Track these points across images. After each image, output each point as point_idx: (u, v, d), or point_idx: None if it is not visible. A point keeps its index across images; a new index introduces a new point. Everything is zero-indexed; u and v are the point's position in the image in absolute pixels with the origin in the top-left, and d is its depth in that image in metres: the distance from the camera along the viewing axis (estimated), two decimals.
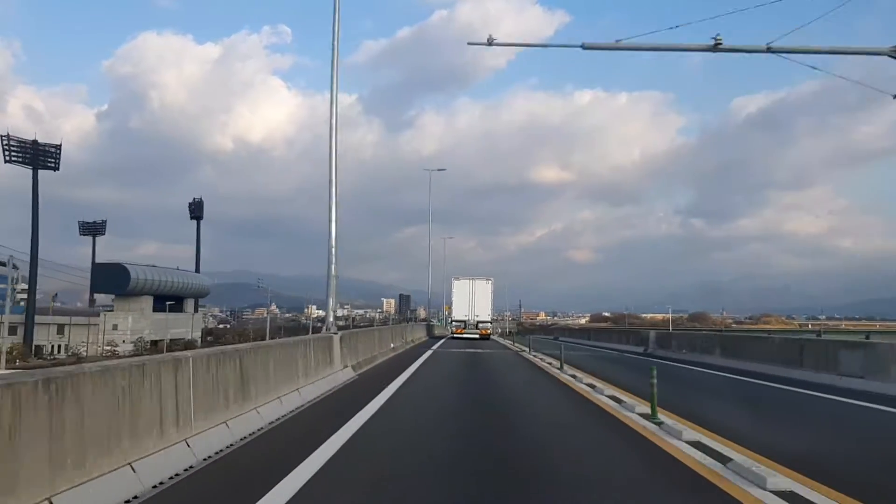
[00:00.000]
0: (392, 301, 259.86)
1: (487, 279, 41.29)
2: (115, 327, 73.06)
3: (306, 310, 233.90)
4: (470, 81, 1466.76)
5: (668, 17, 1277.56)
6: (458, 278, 41.80)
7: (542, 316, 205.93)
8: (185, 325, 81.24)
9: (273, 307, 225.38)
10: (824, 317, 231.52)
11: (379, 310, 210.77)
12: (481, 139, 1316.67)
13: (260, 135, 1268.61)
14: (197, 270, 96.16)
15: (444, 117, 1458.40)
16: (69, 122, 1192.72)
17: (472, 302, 39.75)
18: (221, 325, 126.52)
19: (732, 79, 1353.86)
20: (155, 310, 78.05)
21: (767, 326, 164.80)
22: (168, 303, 79.59)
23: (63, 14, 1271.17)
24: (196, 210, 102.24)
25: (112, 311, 78.25)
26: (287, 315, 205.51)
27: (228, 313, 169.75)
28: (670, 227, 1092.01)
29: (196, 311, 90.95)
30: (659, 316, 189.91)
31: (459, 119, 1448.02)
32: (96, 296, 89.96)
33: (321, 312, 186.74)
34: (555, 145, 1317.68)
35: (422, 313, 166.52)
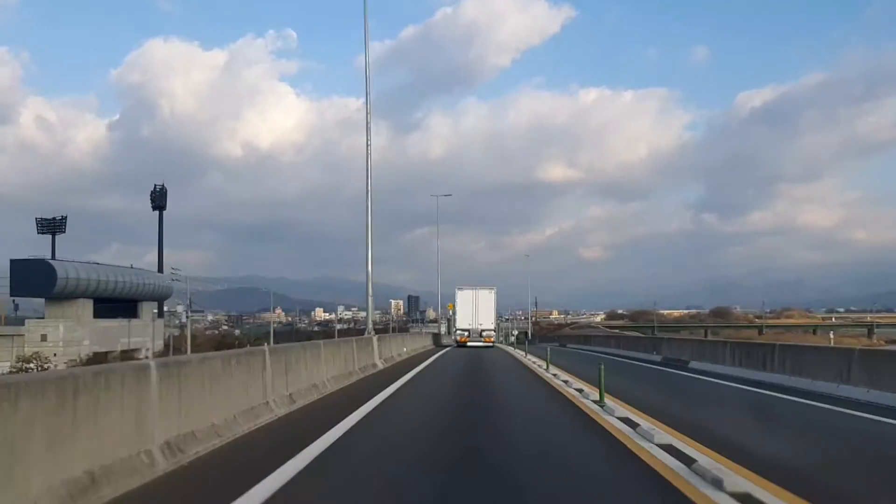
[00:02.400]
0: (400, 302, 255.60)
1: (490, 288, 41.72)
2: (43, 338, 59.97)
3: (313, 313, 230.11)
4: (476, 81, 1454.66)
5: (674, 11, 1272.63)
6: (461, 288, 41.96)
7: (554, 314, 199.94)
8: (144, 332, 68.55)
9: (279, 310, 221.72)
10: (843, 310, 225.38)
11: (380, 311, 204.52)
12: (488, 139, 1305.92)
13: (268, 140, 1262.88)
14: (160, 269, 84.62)
15: (450, 118, 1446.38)
16: (81, 133, 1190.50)
17: (475, 311, 39.90)
18: (209, 331, 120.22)
19: (738, 73, 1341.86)
20: (101, 316, 65.38)
21: (790, 321, 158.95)
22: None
23: (70, 23, 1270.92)
24: (158, 199, 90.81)
25: (42, 318, 65.54)
26: (290, 317, 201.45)
27: (226, 318, 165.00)
28: (681, 222, 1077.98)
29: (161, 315, 79.88)
30: (676, 312, 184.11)
31: (466, 119, 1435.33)
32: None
33: (327, 315, 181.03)
34: (562, 143, 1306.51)
35: (431, 314, 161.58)
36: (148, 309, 72.53)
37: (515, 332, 76.38)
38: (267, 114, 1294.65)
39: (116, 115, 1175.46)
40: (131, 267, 72.69)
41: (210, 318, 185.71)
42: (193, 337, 60.53)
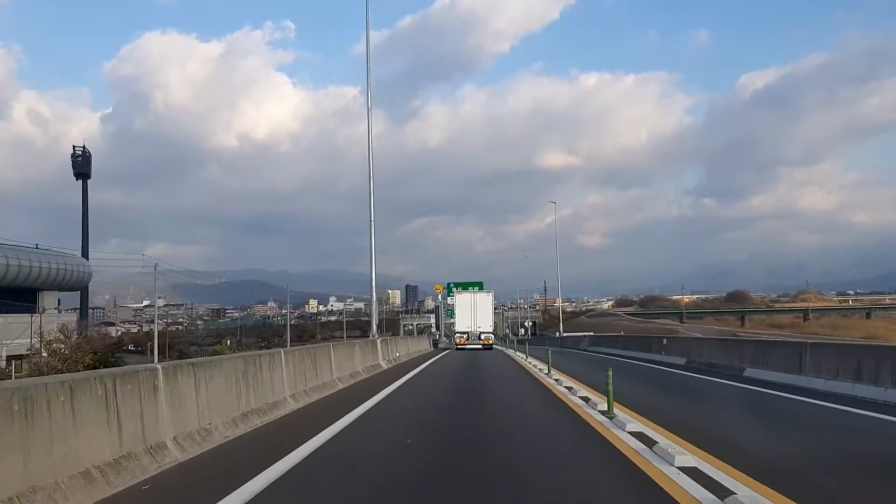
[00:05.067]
0: (398, 293, 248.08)
1: (488, 292, 43.16)
2: None
3: (306, 306, 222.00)
4: (474, 68, 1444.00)
5: None
6: (460, 292, 43.18)
7: (558, 302, 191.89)
8: (45, 329, 49.29)
9: (270, 303, 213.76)
10: (852, 292, 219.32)
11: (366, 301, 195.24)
12: (487, 127, 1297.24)
13: (265, 131, 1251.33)
14: (84, 253, 69.50)
15: (449, 106, 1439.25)
16: (74, 126, 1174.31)
17: (473, 314, 39.78)
18: (175, 326, 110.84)
19: (739, 55, 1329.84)
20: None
21: (808, 305, 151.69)
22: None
23: (64, 17, 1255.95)
24: (81, 166, 76.47)
25: None
26: (285, 311, 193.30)
27: (211, 312, 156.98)
28: (681, 208, 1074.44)
29: (84, 308, 65.25)
30: (686, 298, 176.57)
31: (465, 107, 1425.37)
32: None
33: (323, 307, 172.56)
34: (561, 130, 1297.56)
35: (429, 304, 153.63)
36: (52, 299, 57.60)
37: (529, 324, 66.29)
38: (263, 105, 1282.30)
39: (109, 108, 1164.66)
40: (36, 247, 58.34)
41: (202, 310, 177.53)
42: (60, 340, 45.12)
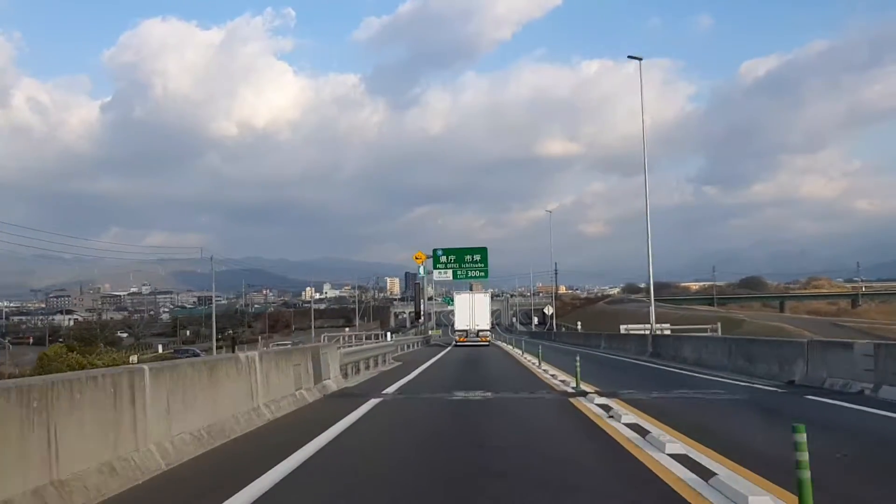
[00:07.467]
0: (397, 280, 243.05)
1: (486, 292, 46.35)
2: None
3: (303, 293, 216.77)
4: (475, 55, 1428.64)
5: None
6: (458, 292, 45.86)
7: (562, 290, 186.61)
8: None
9: (265, 291, 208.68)
10: (859, 279, 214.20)
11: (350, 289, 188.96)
12: (488, 114, 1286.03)
13: (265, 119, 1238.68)
14: None
15: (449, 93, 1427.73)
16: (74, 114, 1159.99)
17: (472, 313, 41.60)
18: (141, 314, 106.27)
19: (742, 42, 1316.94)
20: None
21: (822, 291, 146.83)
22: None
23: (64, 3, 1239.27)
24: None
25: None
26: (281, 299, 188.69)
27: (196, 300, 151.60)
28: (683, 195, 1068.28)
29: None
30: (694, 285, 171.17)
31: (466, 94, 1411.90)
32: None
33: (318, 295, 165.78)
34: (563, 117, 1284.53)
35: (429, 292, 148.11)
36: None
37: (550, 311, 58.60)
38: (263, 92, 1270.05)
39: (109, 96, 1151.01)
40: None
41: (197, 297, 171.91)
42: None
